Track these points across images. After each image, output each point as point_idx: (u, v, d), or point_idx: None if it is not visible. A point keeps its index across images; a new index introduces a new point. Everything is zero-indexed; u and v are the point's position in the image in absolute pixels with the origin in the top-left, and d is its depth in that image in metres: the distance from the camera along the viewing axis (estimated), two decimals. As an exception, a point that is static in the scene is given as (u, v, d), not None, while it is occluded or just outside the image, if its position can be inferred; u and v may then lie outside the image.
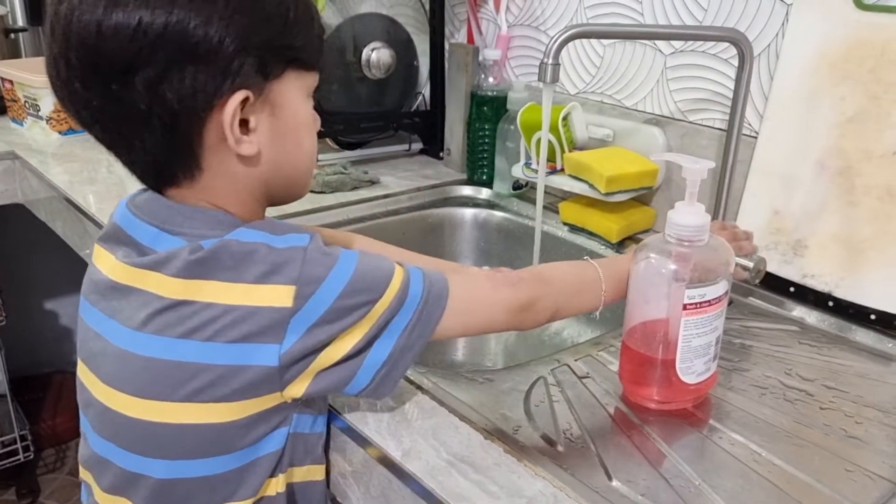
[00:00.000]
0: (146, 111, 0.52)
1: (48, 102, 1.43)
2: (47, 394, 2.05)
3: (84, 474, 0.63)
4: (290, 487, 0.61)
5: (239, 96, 0.53)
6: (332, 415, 0.65)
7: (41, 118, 1.45)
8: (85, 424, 0.62)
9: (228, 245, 0.54)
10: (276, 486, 0.59)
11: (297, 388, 0.55)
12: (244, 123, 0.55)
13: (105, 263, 0.60)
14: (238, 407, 0.54)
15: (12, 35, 1.69)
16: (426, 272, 0.59)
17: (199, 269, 0.53)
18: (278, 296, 0.52)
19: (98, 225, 1.06)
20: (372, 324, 0.55)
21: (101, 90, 0.52)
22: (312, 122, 0.61)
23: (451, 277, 0.61)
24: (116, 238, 0.59)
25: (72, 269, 1.95)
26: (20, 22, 1.75)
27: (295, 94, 0.58)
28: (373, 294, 0.55)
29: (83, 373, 0.61)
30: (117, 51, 0.50)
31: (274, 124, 0.57)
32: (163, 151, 0.54)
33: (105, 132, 0.55)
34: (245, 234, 0.55)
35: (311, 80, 0.59)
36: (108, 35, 0.50)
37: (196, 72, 0.51)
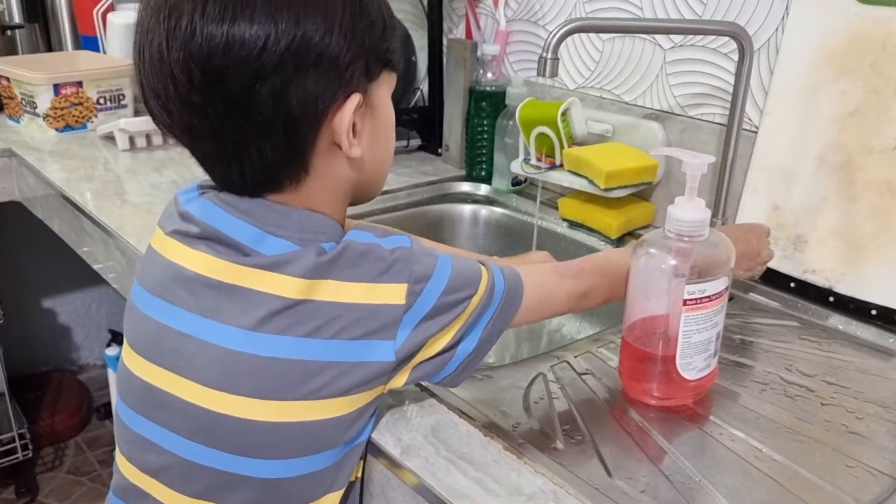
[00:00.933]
0: (269, 119, 0.53)
1: (45, 99, 1.42)
2: (46, 392, 2.04)
3: (142, 481, 0.60)
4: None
5: (354, 100, 0.55)
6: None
7: (38, 115, 1.44)
8: (153, 430, 0.59)
9: (351, 246, 0.55)
10: (359, 470, 0.62)
11: (399, 380, 0.58)
12: (353, 127, 0.56)
13: (196, 261, 0.58)
14: (350, 401, 0.56)
15: (9, 32, 1.68)
16: (503, 269, 0.62)
17: (324, 269, 0.54)
18: (393, 293, 0.55)
19: (95, 222, 1.05)
20: (466, 319, 0.58)
21: (224, 101, 0.52)
22: (394, 121, 0.63)
23: (523, 272, 0.63)
24: (204, 234, 0.58)
25: (69, 267, 1.96)
26: (16, 18, 1.74)
27: (386, 94, 0.60)
28: (469, 290, 0.58)
29: (151, 374, 0.59)
30: (246, 63, 0.51)
31: (372, 126, 0.59)
32: (276, 159, 0.55)
33: (219, 144, 0.55)
34: (360, 235, 0.57)
35: (394, 80, 0.62)
36: (237, 47, 0.50)
37: (318, 78, 0.53)
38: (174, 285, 0.58)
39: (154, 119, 0.56)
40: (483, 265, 0.61)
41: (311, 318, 0.54)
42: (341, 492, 0.59)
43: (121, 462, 0.63)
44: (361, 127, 0.57)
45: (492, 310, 0.60)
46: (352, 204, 0.63)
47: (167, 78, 0.53)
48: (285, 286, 0.54)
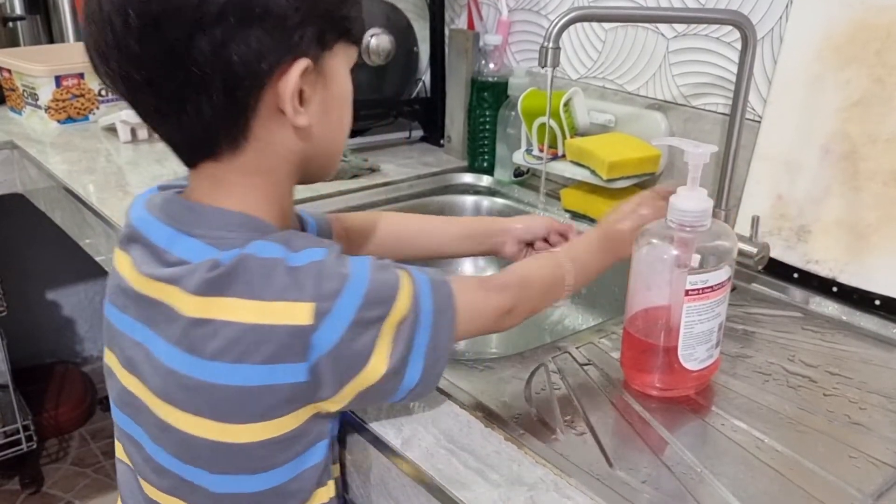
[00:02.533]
0: (209, 74, 0.50)
1: (47, 91, 1.42)
2: (49, 384, 2.05)
3: (134, 469, 0.62)
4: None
5: (301, 64, 0.52)
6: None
7: (40, 107, 1.44)
8: (133, 428, 0.60)
9: (247, 260, 0.52)
10: (328, 493, 0.60)
11: (335, 405, 0.55)
12: (300, 94, 0.54)
13: (126, 269, 0.58)
14: (272, 425, 0.54)
15: (10, 24, 1.68)
16: (432, 280, 0.57)
17: (217, 285, 0.52)
18: (298, 313, 0.51)
19: (97, 214, 1.05)
20: (393, 336, 0.54)
21: (161, 49, 0.50)
22: (351, 96, 0.61)
23: (453, 284, 0.59)
24: (133, 240, 0.58)
25: (72, 259, 1.96)
26: (18, 10, 1.74)
27: (342, 66, 0.58)
28: (386, 306, 0.53)
29: (127, 380, 0.60)
30: (185, 10, 0.48)
31: (323, 96, 0.56)
32: (216, 118, 0.52)
33: (156, 96, 0.53)
34: (263, 248, 0.53)
35: (354, 54, 0.59)
36: None
37: (262, 36, 0.50)
38: (120, 294, 0.59)
39: (95, 71, 0.54)
40: (406, 274, 0.56)
41: (212, 340, 0.52)
42: None
43: (117, 448, 0.65)
44: (310, 95, 0.55)
45: (426, 331, 0.55)
46: (301, 183, 0.61)
47: (105, 24, 0.50)
48: (186, 303, 0.53)
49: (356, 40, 0.58)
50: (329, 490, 0.60)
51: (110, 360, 0.62)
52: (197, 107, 0.52)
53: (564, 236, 0.83)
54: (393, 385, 0.55)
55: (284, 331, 0.51)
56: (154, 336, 0.56)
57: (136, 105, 0.55)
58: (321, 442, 0.57)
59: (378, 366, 0.53)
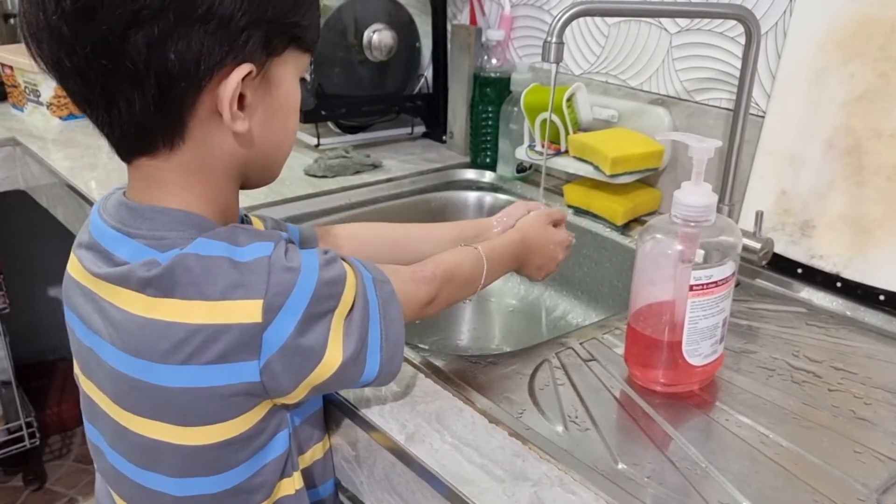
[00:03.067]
0: (142, 70, 0.48)
1: (48, 88, 1.42)
2: (52, 381, 2.05)
3: (107, 483, 0.62)
4: (303, 476, 0.61)
5: (243, 70, 0.50)
6: (335, 398, 0.65)
7: (41, 104, 1.44)
8: (96, 436, 0.60)
9: (185, 260, 0.50)
10: (294, 484, 0.59)
11: (292, 399, 0.54)
12: (240, 99, 0.52)
13: (77, 272, 0.57)
14: (230, 426, 0.53)
15: (11, 20, 1.68)
16: (374, 275, 0.58)
17: (158, 285, 0.50)
18: (247, 311, 0.50)
19: (99, 210, 1.05)
20: (343, 328, 0.53)
21: (94, 41, 0.47)
22: (298, 103, 0.59)
23: (390, 276, 0.60)
24: (85, 244, 0.57)
25: (75, 256, 1.96)
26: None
27: (290, 73, 0.56)
28: (334, 300, 0.53)
29: (86, 385, 0.59)
30: (123, 3, 0.46)
31: (267, 102, 0.55)
32: (148, 115, 0.50)
33: (86, 86, 0.50)
34: (205, 245, 0.51)
35: (305, 61, 0.58)
36: None
37: (204, 37, 0.48)
38: (76, 299, 0.58)
39: (28, 50, 0.51)
40: (348, 266, 0.56)
41: (160, 342, 0.50)
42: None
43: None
44: (252, 101, 0.53)
45: (375, 321, 0.55)
46: (245, 187, 0.59)
47: (39, 5, 0.48)
48: (130, 303, 0.51)
49: (308, 48, 0.57)
50: (295, 481, 0.59)
51: (76, 366, 0.62)
52: (128, 102, 0.50)
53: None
54: (350, 377, 0.55)
55: (235, 330, 0.50)
56: (102, 341, 0.55)
57: (67, 92, 0.53)
58: (280, 433, 0.57)
59: (333, 358, 0.53)
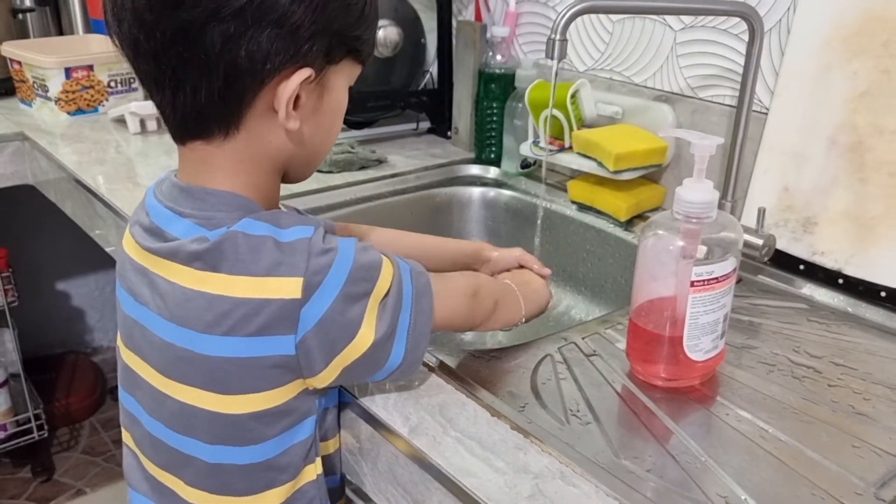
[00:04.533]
0: (213, 62, 0.51)
1: (56, 83, 1.43)
2: (60, 374, 2.07)
3: (135, 448, 0.65)
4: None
5: (304, 73, 0.54)
6: (340, 391, 0.65)
7: (50, 99, 1.45)
8: (133, 405, 0.63)
9: (234, 237, 0.54)
10: (315, 469, 0.62)
11: (322, 380, 0.57)
12: (296, 99, 0.55)
13: (131, 248, 0.61)
14: (262, 397, 0.56)
15: (20, 16, 1.69)
16: (412, 268, 0.60)
17: (206, 259, 0.54)
18: (288, 288, 0.53)
19: (107, 205, 1.06)
20: (378, 310, 0.56)
21: (174, 28, 0.51)
22: (345, 109, 0.62)
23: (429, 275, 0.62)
24: (143, 223, 0.60)
25: (82, 250, 1.97)
26: (28, 2, 1.75)
27: (343, 81, 0.60)
28: (370, 283, 0.56)
29: (128, 357, 0.63)
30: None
31: (318, 105, 0.58)
32: (211, 104, 0.54)
33: (158, 68, 0.54)
34: (252, 225, 0.55)
35: (357, 71, 0.61)
36: None
37: (274, 39, 0.52)
38: (126, 274, 0.62)
39: (106, 25, 0.55)
40: (387, 257, 0.59)
41: (205, 313, 0.54)
42: (288, 489, 0.60)
43: (123, 433, 0.68)
44: (306, 102, 0.56)
45: (406, 309, 0.58)
46: (285, 181, 0.62)
47: None
48: (179, 275, 0.55)
49: (363, 60, 0.60)
50: (317, 467, 0.62)
51: (118, 339, 0.65)
52: (194, 89, 0.53)
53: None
54: (377, 362, 0.57)
55: (275, 304, 0.53)
56: (150, 313, 0.58)
57: (136, 70, 0.56)
58: (309, 418, 0.60)
59: (365, 338, 0.55)
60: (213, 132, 0.56)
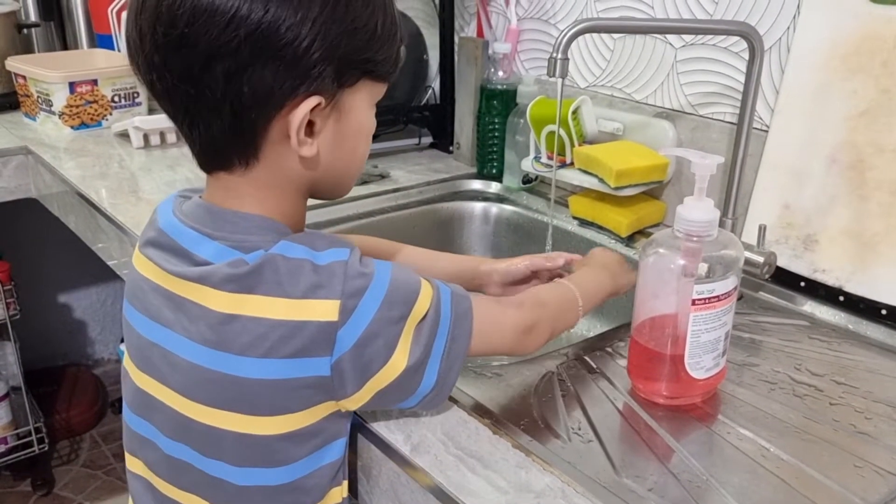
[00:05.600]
0: (220, 98, 0.52)
1: (60, 97, 1.44)
2: (61, 387, 2.07)
3: (147, 473, 0.64)
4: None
5: (311, 102, 0.54)
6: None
7: (54, 113, 1.46)
8: (147, 429, 0.62)
9: (274, 260, 0.54)
10: (342, 492, 0.62)
11: (354, 403, 0.57)
12: (310, 125, 0.55)
13: (150, 271, 0.60)
14: (295, 418, 0.56)
15: (25, 31, 1.70)
16: (451, 287, 0.60)
17: (244, 282, 0.54)
18: (324, 310, 0.53)
19: (110, 219, 1.07)
20: (412, 334, 0.56)
21: (180, 69, 0.52)
22: (371, 129, 0.62)
23: (472, 298, 0.61)
24: (160, 244, 0.60)
25: (85, 264, 1.97)
26: (32, 17, 1.76)
27: (363, 102, 0.59)
28: (408, 306, 0.56)
29: (141, 380, 0.62)
30: (206, 38, 0.50)
31: (336, 129, 0.58)
32: (224, 137, 0.55)
33: (173, 107, 0.56)
34: (289, 248, 0.55)
35: (380, 89, 0.60)
36: (201, 22, 0.50)
37: (276, 71, 0.52)
38: (141, 294, 0.61)
39: (130, 60, 0.57)
40: (426, 280, 0.59)
41: (241, 335, 0.54)
42: None
43: (128, 459, 0.66)
44: (322, 127, 0.56)
45: (443, 337, 0.58)
46: (315, 198, 0.63)
47: (138, 31, 0.54)
48: (214, 299, 0.55)
49: (384, 78, 0.59)
50: (343, 490, 0.62)
51: (127, 362, 0.64)
52: (207, 124, 0.55)
53: (553, 272, 0.83)
54: (410, 386, 0.57)
55: (312, 327, 0.53)
56: (174, 335, 0.57)
57: (161, 106, 0.58)
58: (338, 440, 0.60)
59: (398, 362, 0.55)
60: (234, 163, 0.57)
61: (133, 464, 0.66)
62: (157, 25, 0.52)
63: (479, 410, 0.64)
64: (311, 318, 0.53)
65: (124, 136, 1.41)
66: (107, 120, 1.50)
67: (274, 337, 0.53)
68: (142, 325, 0.61)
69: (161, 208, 0.63)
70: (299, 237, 0.57)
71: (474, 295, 0.62)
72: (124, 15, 1.79)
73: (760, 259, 0.83)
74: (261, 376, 0.54)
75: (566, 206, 1.11)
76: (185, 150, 1.44)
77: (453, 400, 0.65)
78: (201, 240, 0.57)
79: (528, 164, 1.13)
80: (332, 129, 0.57)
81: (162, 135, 1.39)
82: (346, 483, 0.62)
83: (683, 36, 1.03)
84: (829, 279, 0.84)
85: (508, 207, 1.21)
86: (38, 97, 1.48)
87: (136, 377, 0.63)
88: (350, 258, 0.55)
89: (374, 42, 0.56)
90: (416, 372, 0.57)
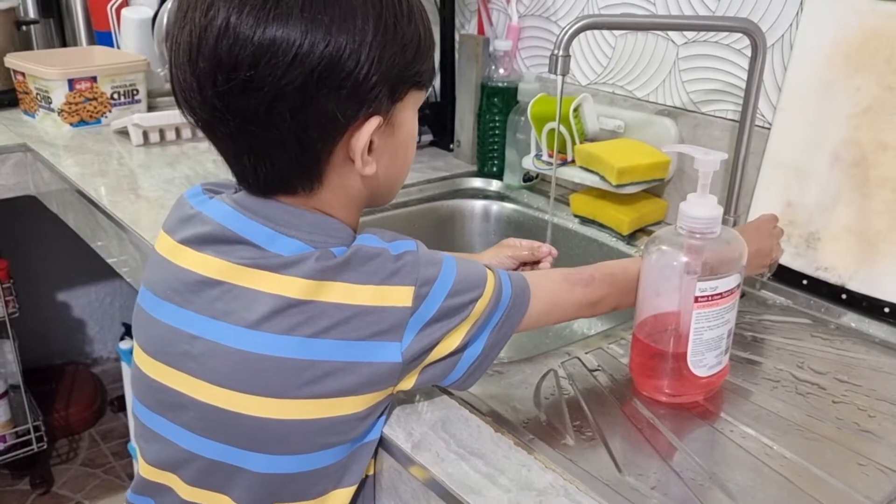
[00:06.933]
0: (286, 134, 0.54)
1: (59, 94, 1.43)
2: (60, 385, 2.06)
3: (163, 477, 0.62)
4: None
5: (373, 123, 0.55)
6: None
7: (52, 110, 1.45)
8: (164, 426, 0.61)
9: (360, 251, 0.56)
10: (372, 467, 0.63)
11: (408, 382, 0.59)
12: (369, 144, 0.56)
13: (203, 264, 0.59)
14: (358, 400, 0.57)
15: (24, 27, 1.70)
16: (511, 275, 0.63)
17: (331, 273, 0.55)
18: (400, 296, 0.56)
19: (109, 217, 1.06)
20: (472, 322, 0.59)
21: (244, 112, 0.53)
22: (416, 134, 0.63)
23: (532, 278, 0.64)
24: (216, 236, 0.59)
25: (84, 261, 1.97)
26: (31, 14, 1.75)
27: (411, 111, 0.60)
28: (475, 293, 0.59)
29: (163, 374, 0.60)
30: (270, 80, 0.51)
31: (390, 142, 0.59)
32: (291, 169, 0.56)
33: (236, 145, 0.56)
34: (369, 240, 0.58)
35: (423, 96, 0.62)
36: (263, 63, 0.51)
37: (339, 99, 0.53)
38: (184, 289, 0.59)
39: (178, 105, 0.57)
40: (490, 269, 0.62)
41: (319, 319, 0.55)
42: (352, 489, 0.60)
43: (141, 463, 0.64)
44: (379, 145, 0.58)
45: (498, 314, 0.61)
46: (365, 207, 0.64)
47: (193, 76, 0.53)
48: (291, 286, 0.55)
49: (427, 85, 0.61)
50: (372, 465, 0.63)
51: (142, 360, 0.62)
52: (273, 160, 0.56)
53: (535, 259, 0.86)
54: (448, 365, 0.60)
55: (389, 312, 0.55)
56: (224, 325, 0.57)
57: (216, 146, 0.58)
58: (382, 418, 0.61)
59: (448, 344, 0.58)
60: (297, 190, 0.58)
61: (146, 468, 0.64)
62: (218, 72, 0.52)
63: (480, 408, 0.64)
64: (390, 304, 0.55)
65: (123, 133, 1.41)
66: (106, 117, 1.50)
67: (355, 321, 0.55)
68: (176, 317, 0.59)
69: (195, 200, 0.62)
70: (372, 232, 0.59)
71: (544, 272, 0.65)
72: (124, 13, 1.77)
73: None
74: (332, 358, 0.55)
75: (567, 204, 1.11)
76: (185, 148, 1.44)
77: (454, 398, 0.65)
78: (273, 235, 0.57)
79: (528, 162, 1.13)
80: (388, 144, 0.59)
81: (161, 132, 1.39)
82: (374, 459, 0.63)
83: (685, 33, 1.03)
84: (832, 277, 0.84)
85: (509, 205, 1.21)
86: (37, 94, 1.47)
87: (156, 374, 0.61)
88: (419, 249, 0.58)
89: (420, 55, 0.57)
90: (458, 356, 0.59)
